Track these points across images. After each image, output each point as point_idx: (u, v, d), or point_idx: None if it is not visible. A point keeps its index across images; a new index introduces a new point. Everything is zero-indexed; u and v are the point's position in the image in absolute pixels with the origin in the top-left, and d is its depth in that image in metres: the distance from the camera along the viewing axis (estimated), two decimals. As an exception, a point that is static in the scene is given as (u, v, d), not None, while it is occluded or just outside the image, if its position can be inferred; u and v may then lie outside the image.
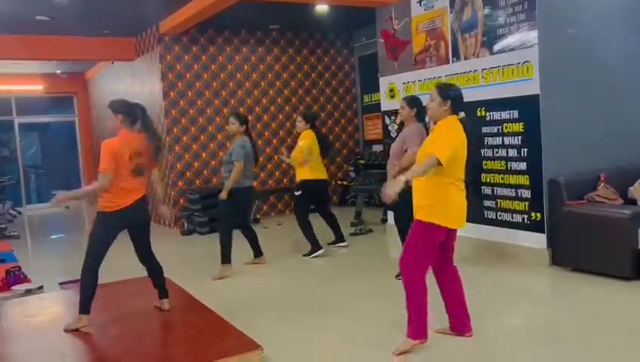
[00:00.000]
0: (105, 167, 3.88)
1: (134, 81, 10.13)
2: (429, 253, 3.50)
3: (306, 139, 6.24)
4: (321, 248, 6.31)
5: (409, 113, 4.95)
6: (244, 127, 5.88)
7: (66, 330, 3.97)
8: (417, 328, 3.48)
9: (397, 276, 5.19)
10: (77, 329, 3.96)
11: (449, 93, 3.53)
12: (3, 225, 10.01)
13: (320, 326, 4.16)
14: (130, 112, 4.07)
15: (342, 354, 3.65)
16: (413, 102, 5.00)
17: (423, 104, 4.83)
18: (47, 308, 4.78)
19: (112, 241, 4.03)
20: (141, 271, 4.62)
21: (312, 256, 6.28)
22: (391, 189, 3.37)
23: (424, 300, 3.48)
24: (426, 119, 4.80)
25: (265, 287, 5.42)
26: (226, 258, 5.75)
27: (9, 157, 13.69)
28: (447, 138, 3.42)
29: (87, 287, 3.98)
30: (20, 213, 12.34)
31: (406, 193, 3.48)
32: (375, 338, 3.81)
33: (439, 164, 3.30)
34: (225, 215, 5.90)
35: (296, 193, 6.38)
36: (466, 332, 3.66)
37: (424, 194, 3.48)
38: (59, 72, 12.84)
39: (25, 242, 9.12)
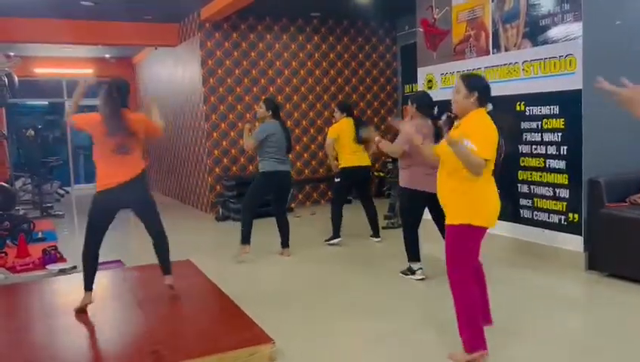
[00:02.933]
0: (78, 117, 4.10)
1: (177, 66, 10.26)
2: (471, 256, 3.30)
3: (331, 134, 6.46)
4: (338, 237, 6.49)
5: (413, 111, 5.05)
6: (270, 111, 5.89)
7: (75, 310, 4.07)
8: (472, 338, 3.19)
9: (402, 271, 5.14)
10: (83, 307, 4.06)
11: (475, 84, 3.26)
12: (50, 204, 10.39)
13: (338, 321, 4.10)
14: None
15: (355, 352, 3.59)
16: (415, 100, 5.09)
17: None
18: (75, 289, 4.89)
19: (107, 221, 4.06)
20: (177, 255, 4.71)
21: (330, 242, 6.46)
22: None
23: (476, 306, 3.22)
24: (443, 114, 4.87)
25: (288, 277, 5.38)
26: (242, 237, 5.84)
27: (59, 139, 14.16)
28: (484, 134, 3.15)
29: (85, 267, 4.12)
30: (67, 192, 12.76)
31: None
32: (394, 337, 3.73)
33: (484, 161, 3.05)
34: (250, 194, 6.03)
35: (336, 180, 6.56)
36: (488, 323, 3.51)
37: (460, 194, 3.20)
38: (108, 56, 13.15)
39: (68, 221, 9.41)
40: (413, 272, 5.04)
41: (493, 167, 3.27)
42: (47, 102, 14.76)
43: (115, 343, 3.65)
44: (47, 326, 3.96)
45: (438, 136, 4.74)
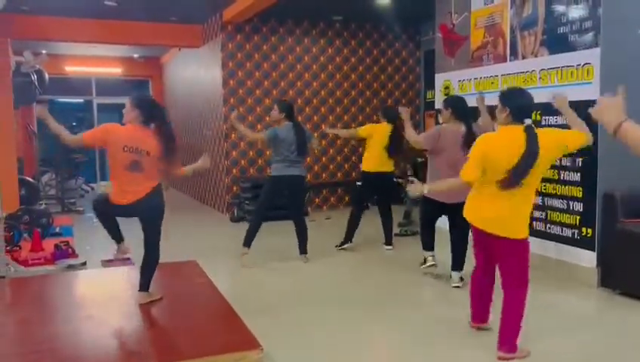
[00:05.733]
0: (89, 134, 4.07)
1: (199, 67, 10.35)
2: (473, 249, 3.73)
3: (362, 132, 6.46)
4: (349, 242, 6.47)
5: (446, 114, 4.85)
6: (284, 114, 5.79)
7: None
8: (472, 312, 3.85)
9: (420, 263, 5.32)
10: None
11: (507, 101, 3.36)
12: (73, 200, 10.60)
13: (339, 330, 4.04)
14: (147, 110, 3.97)
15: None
16: (447, 102, 4.95)
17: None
18: (76, 285, 4.95)
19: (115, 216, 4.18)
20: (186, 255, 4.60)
21: (340, 247, 6.45)
22: (412, 191, 3.64)
23: (473, 287, 3.81)
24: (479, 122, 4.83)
25: (295, 283, 5.33)
26: (246, 239, 5.79)
27: (88, 136, 14.44)
28: (473, 155, 3.38)
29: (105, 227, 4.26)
30: (92, 188, 13.01)
31: None
32: (393, 349, 3.65)
33: (464, 182, 3.44)
34: (260, 199, 6.04)
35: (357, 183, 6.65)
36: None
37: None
38: (136, 56, 13.37)
39: (88, 217, 9.56)
40: (425, 261, 5.22)
41: (501, 182, 3.27)
42: (82, 100, 15.03)
43: (102, 340, 3.63)
44: (35, 320, 3.98)
45: (469, 145, 4.65)
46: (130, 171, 3.88)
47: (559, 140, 3.34)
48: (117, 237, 4.27)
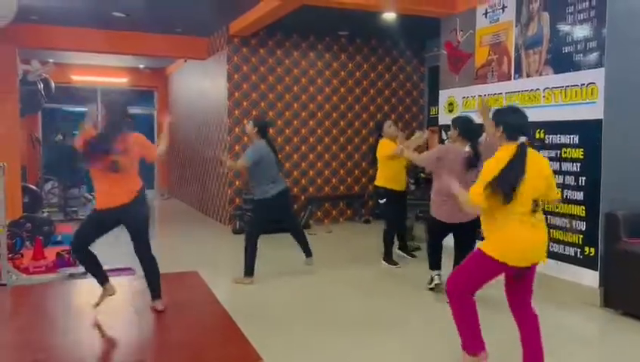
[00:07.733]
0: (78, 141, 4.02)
1: (205, 79, 10.41)
2: (479, 282, 3.31)
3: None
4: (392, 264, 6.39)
5: (454, 134, 4.88)
6: (257, 128, 5.67)
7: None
8: (470, 341, 3.30)
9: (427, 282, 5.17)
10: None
11: (500, 119, 3.26)
12: (75, 208, 10.61)
13: (339, 343, 4.03)
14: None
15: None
16: (454, 122, 4.99)
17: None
18: (75, 295, 4.94)
19: (99, 234, 4.10)
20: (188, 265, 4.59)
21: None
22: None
23: (472, 314, 3.30)
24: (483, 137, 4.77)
25: (296, 296, 5.32)
26: (247, 268, 5.60)
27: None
28: (483, 177, 3.14)
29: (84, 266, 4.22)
30: (95, 196, 13.02)
31: None
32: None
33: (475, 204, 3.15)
34: (251, 224, 5.96)
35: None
36: None
37: (485, 223, 3.29)
38: (142, 66, 13.44)
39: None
40: (432, 280, 5.27)
41: (524, 207, 3.15)
42: (87, 109, 15.05)
43: (101, 351, 3.63)
44: (36, 329, 3.98)
45: (471, 163, 4.67)
46: (109, 171, 3.90)
47: (547, 177, 3.25)
48: (100, 277, 4.18)
